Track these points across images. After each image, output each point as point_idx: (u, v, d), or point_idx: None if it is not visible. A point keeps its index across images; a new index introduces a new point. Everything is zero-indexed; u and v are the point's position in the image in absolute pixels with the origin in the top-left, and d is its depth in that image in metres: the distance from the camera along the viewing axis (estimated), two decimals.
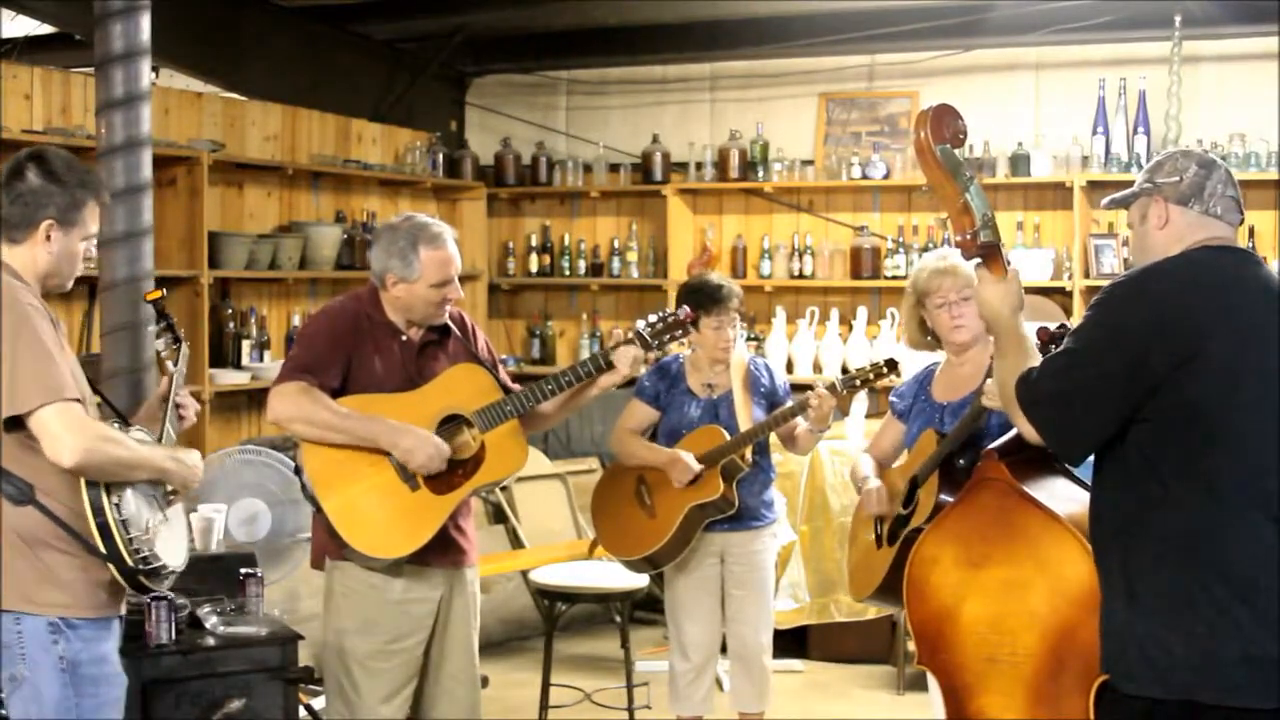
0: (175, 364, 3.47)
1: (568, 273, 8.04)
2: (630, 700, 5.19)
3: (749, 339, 7.13)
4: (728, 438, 4.50)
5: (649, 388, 4.71)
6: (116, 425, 3.15)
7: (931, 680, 3.19)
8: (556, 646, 5.35)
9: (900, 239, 7.32)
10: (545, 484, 7.12)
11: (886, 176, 7.30)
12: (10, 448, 2.96)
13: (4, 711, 3.04)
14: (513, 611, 6.68)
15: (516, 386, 3.90)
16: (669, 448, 4.57)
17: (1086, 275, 6.85)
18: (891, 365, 4.46)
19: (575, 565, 5.48)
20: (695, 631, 4.67)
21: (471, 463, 3.77)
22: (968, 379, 3.90)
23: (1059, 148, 7.02)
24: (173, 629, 3.77)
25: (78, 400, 2.96)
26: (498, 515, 6.91)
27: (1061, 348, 2.73)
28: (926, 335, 4.03)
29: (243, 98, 6.99)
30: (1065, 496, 2.98)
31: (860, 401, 6.52)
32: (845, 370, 7.02)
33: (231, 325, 6.62)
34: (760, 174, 7.55)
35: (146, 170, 4.64)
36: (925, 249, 7.09)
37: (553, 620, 5.28)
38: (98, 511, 2.96)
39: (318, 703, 4.33)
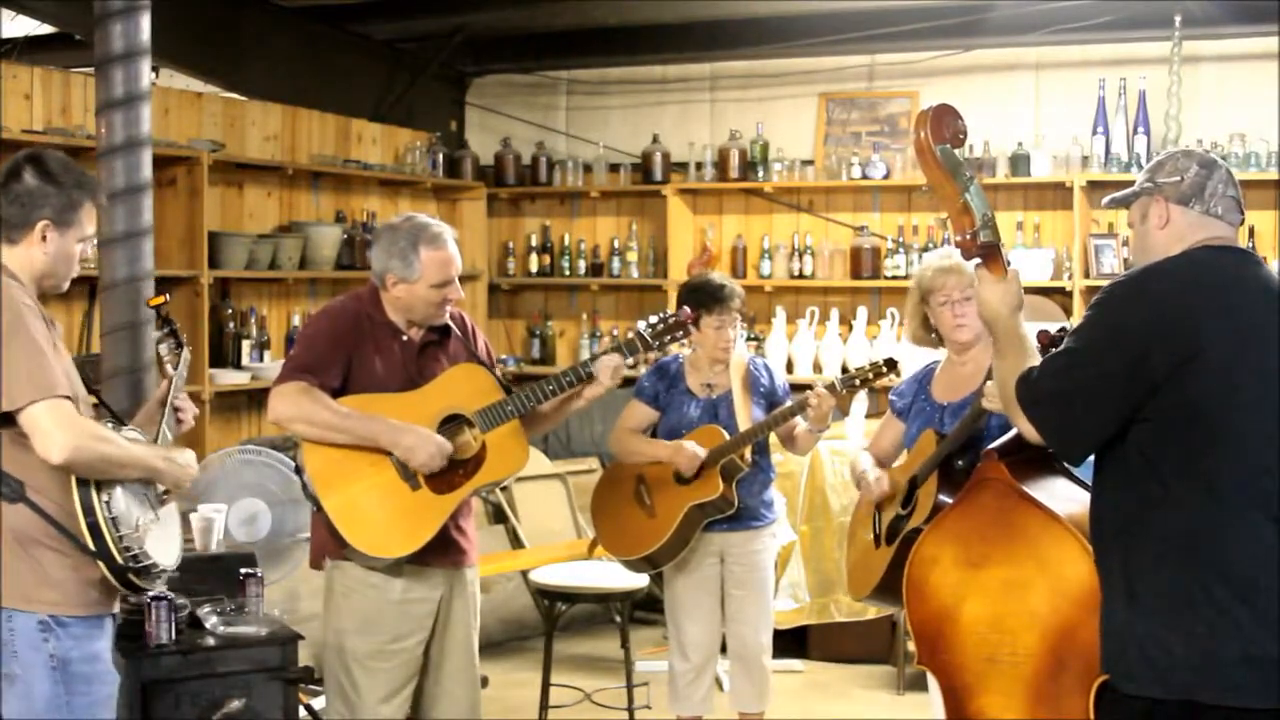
0: (176, 368, 3.48)
1: (568, 273, 8.04)
2: (630, 700, 5.19)
3: (749, 339, 7.13)
4: (727, 438, 4.50)
5: (648, 388, 4.72)
6: (110, 425, 3.16)
7: (931, 680, 3.19)
8: (556, 646, 5.35)
9: (900, 239, 7.32)
10: (545, 484, 7.12)
11: (886, 176, 7.30)
12: (2, 445, 2.97)
13: None
14: (513, 611, 6.68)
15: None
16: None
17: (1086, 275, 6.85)
18: (891, 365, 4.46)
19: (575, 565, 5.49)
20: (695, 631, 4.67)
21: (472, 463, 3.77)
22: (968, 379, 3.90)
23: (1059, 148, 7.02)
24: (173, 629, 3.77)
25: (68, 398, 2.97)
26: (498, 515, 6.91)
27: (1062, 347, 2.73)
28: (930, 332, 4.03)
29: (243, 98, 6.99)
30: (1065, 496, 2.98)
31: (860, 401, 6.52)
32: (845, 370, 7.02)
33: (231, 325, 6.62)
34: (760, 174, 7.55)
35: (146, 170, 4.64)
36: (925, 249, 7.09)
37: (553, 620, 5.29)
38: (88, 509, 2.98)
39: (318, 703, 4.33)
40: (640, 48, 7.73)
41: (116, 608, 3.22)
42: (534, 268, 8.11)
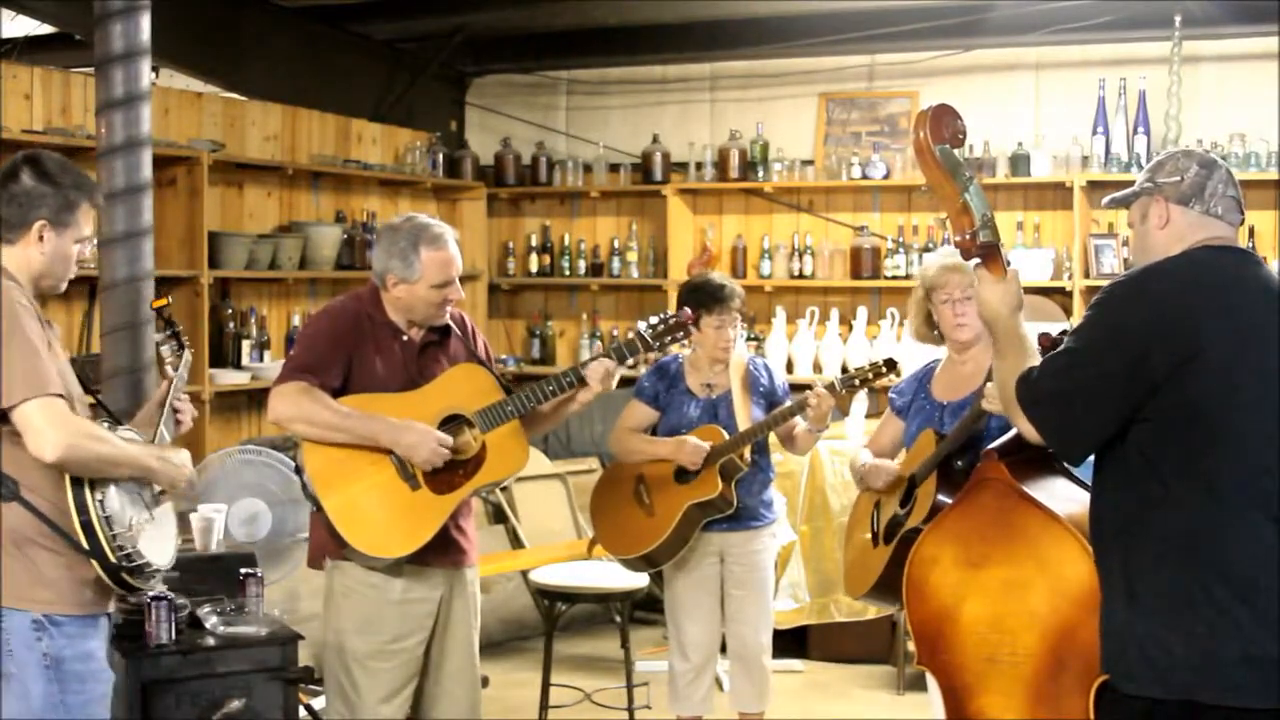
0: (177, 370, 3.49)
1: (568, 273, 8.04)
2: (630, 700, 5.19)
3: (749, 339, 7.13)
4: (727, 437, 4.50)
5: (648, 388, 4.72)
6: (106, 425, 3.17)
7: (931, 680, 3.19)
8: (556, 646, 5.35)
9: (900, 239, 7.32)
10: (545, 484, 7.12)
11: (886, 176, 7.30)
12: None
13: None
14: (513, 611, 6.68)
15: None
16: None
17: (1086, 275, 6.85)
18: (890, 365, 4.46)
19: (575, 565, 5.48)
20: (695, 631, 4.67)
21: (472, 463, 3.77)
22: (968, 379, 3.91)
23: (1059, 148, 7.02)
24: (173, 629, 3.77)
25: (62, 396, 2.98)
26: (498, 515, 6.91)
27: (1062, 347, 2.73)
28: (933, 329, 4.04)
29: (243, 98, 6.99)
30: (1065, 496, 2.98)
31: (860, 401, 6.53)
32: (844, 370, 7.03)
33: (231, 325, 6.62)
34: (760, 174, 7.55)
35: (146, 170, 4.64)
36: (925, 249, 7.10)
37: (553, 620, 5.28)
38: (81, 508, 3.00)
39: (318, 703, 4.33)
40: (640, 48, 7.73)
41: (112, 607, 3.23)
42: (534, 268, 8.11)
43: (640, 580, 5.12)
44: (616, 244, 7.93)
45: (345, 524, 3.66)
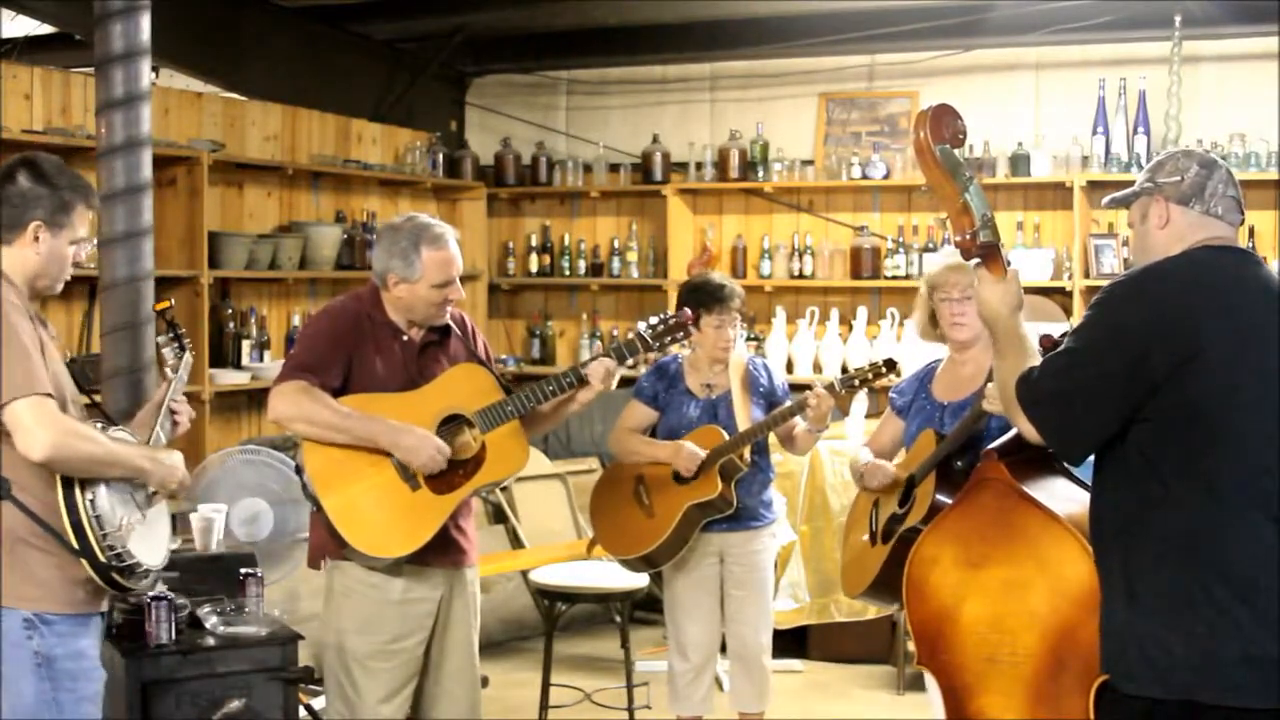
0: (177, 371, 3.50)
1: (568, 273, 8.04)
2: (630, 700, 5.19)
3: (749, 339, 7.13)
4: (726, 438, 4.50)
5: (647, 388, 4.72)
6: (100, 425, 3.18)
7: (930, 680, 3.19)
8: (556, 646, 5.35)
9: (900, 239, 7.32)
10: (545, 484, 7.12)
11: (886, 176, 7.30)
12: None
13: None
14: (513, 611, 6.68)
15: None
16: None
17: (1086, 275, 6.85)
18: (890, 365, 4.46)
19: (575, 565, 5.48)
20: (695, 631, 4.67)
21: (472, 463, 3.77)
22: (969, 379, 3.91)
23: (1059, 148, 7.02)
24: (172, 629, 3.77)
25: (51, 396, 2.99)
26: (498, 515, 6.91)
27: (1062, 347, 2.73)
28: (936, 328, 4.05)
29: (243, 98, 6.99)
30: (1065, 496, 2.98)
31: (860, 401, 6.52)
32: (844, 370, 7.03)
33: (231, 325, 6.63)
34: (760, 174, 7.55)
35: (146, 170, 4.64)
36: (925, 249, 7.10)
37: (553, 620, 5.28)
38: (70, 507, 3.01)
39: (318, 703, 4.33)
40: (640, 48, 7.73)
41: (105, 606, 3.23)
42: (534, 268, 8.11)
43: (640, 580, 5.12)
44: (616, 244, 7.93)
45: (345, 524, 3.66)
